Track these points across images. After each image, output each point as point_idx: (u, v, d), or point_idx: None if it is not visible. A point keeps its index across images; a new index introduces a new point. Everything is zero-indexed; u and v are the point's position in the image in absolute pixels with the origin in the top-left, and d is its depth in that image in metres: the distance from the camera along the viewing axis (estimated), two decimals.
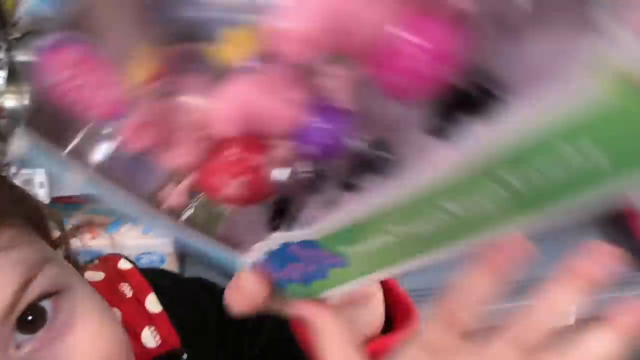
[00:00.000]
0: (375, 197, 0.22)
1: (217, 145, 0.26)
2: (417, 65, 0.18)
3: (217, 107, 0.21)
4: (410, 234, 0.22)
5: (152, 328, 0.40)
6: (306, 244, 0.27)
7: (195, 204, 0.30)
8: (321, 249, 0.27)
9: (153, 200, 0.29)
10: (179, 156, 0.25)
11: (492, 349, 0.24)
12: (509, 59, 0.17)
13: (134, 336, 0.39)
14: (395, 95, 0.19)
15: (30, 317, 0.26)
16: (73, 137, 0.25)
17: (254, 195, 0.28)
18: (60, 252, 0.30)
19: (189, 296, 0.45)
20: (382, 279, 0.33)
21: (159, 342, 0.40)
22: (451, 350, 0.25)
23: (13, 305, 0.25)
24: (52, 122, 0.24)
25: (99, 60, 0.19)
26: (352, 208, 0.23)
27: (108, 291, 0.38)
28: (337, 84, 0.20)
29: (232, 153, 0.26)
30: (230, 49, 0.21)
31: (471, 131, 0.18)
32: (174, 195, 0.29)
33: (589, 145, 0.16)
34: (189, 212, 0.30)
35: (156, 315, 0.40)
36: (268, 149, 0.26)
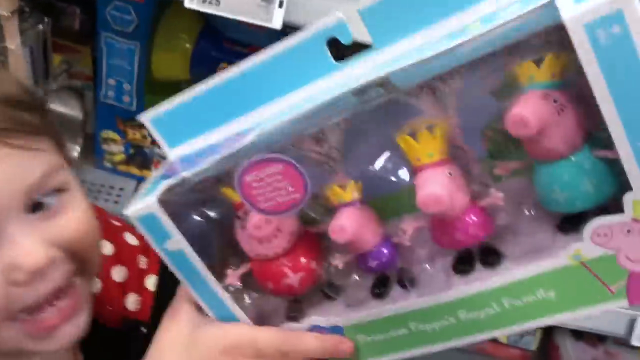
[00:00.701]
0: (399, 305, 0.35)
1: (290, 248, 0.38)
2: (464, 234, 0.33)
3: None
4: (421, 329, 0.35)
5: (139, 298, 0.52)
6: (334, 329, 0.38)
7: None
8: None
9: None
10: (273, 247, 0.37)
11: None
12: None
13: (122, 294, 0.51)
14: (442, 245, 0.34)
15: (40, 201, 0.38)
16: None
17: (301, 288, 0.39)
18: (70, 168, 0.42)
19: None
20: None
21: (136, 310, 0.51)
22: None
23: (37, 187, 0.38)
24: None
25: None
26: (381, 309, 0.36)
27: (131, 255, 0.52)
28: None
29: (298, 254, 0.38)
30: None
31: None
32: (231, 275, 0.39)
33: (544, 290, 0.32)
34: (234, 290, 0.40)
35: (148, 292, 0.52)
36: (323, 257, 0.38)
